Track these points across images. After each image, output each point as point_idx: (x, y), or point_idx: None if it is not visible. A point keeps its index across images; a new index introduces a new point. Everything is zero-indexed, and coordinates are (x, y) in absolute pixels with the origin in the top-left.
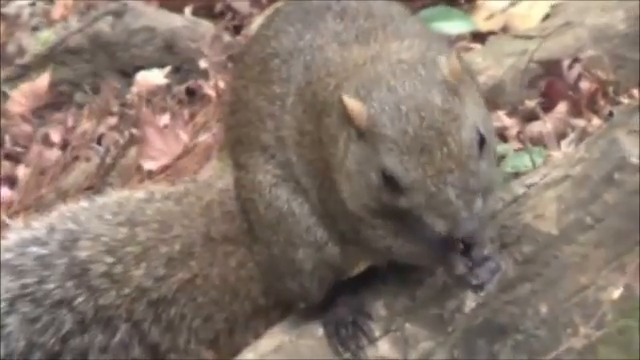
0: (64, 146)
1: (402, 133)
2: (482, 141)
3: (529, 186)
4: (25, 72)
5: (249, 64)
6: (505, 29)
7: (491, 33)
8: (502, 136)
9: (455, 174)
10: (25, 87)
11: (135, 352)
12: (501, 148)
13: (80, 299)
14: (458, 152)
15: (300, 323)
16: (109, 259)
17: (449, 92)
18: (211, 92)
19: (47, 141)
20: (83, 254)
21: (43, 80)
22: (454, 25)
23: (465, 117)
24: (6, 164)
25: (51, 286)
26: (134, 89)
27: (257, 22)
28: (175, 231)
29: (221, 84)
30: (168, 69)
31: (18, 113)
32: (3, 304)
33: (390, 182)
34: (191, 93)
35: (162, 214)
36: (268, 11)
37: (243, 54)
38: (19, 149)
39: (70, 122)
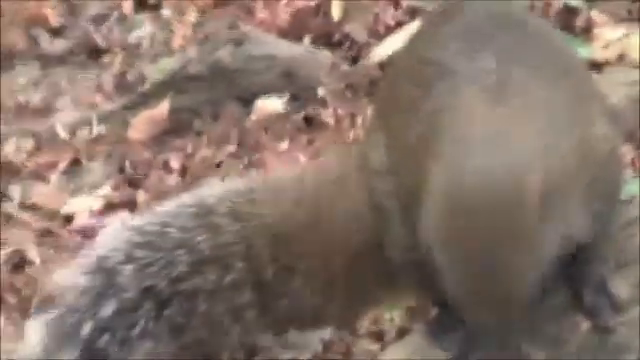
0: (183, 172)
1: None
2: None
3: None
4: (145, 100)
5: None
6: (621, 58)
7: (607, 62)
8: None
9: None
10: (145, 114)
11: (245, 297)
12: None
13: (199, 238)
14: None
15: (417, 344)
16: (236, 199)
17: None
18: (329, 120)
19: (167, 167)
20: (210, 201)
21: (162, 108)
22: None
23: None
24: (127, 189)
25: (172, 230)
26: (253, 116)
27: (376, 52)
28: (308, 176)
29: (339, 112)
30: (286, 97)
31: (138, 140)
32: (119, 256)
33: None
34: (309, 121)
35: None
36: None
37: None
38: (139, 175)
39: (189, 149)
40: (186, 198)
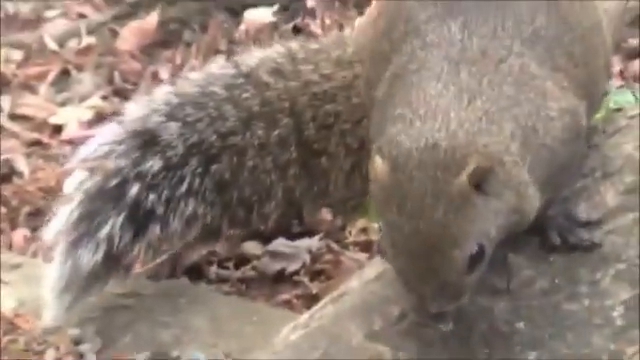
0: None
1: (397, 230)
2: (480, 255)
3: (631, 117)
4: (135, 10)
5: None
6: None
7: None
8: None
9: (433, 284)
10: (134, 25)
11: (289, 153)
12: None
13: (246, 95)
14: (442, 269)
15: None
16: (280, 60)
17: (457, 204)
18: (318, 30)
19: (156, 78)
20: (252, 62)
21: (152, 18)
22: None
23: (467, 235)
24: (115, 100)
25: (216, 89)
26: (242, 27)
27: None
28: (347, 38)
29: (328, 22)
30: (276, 7)
31: (127, 51)
32: (159, 116)
33: None
34: (298, 31)
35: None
36: None
37: None
38: (128, 86)
39: (178, 60)
40: (224, 63)
